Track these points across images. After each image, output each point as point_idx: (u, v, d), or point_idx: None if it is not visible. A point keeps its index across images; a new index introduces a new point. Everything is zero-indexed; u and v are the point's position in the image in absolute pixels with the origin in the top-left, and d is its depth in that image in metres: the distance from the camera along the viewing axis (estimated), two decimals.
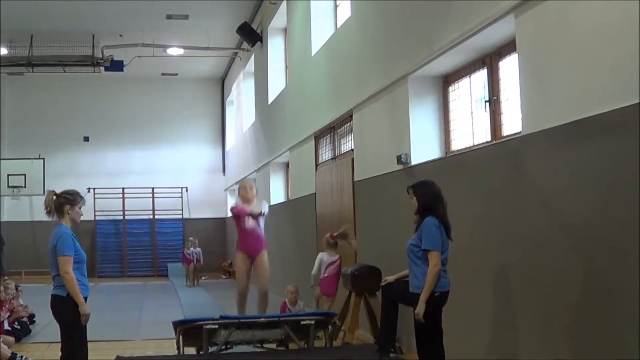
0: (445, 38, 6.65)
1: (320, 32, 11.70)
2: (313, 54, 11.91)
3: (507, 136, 6.22)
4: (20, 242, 21.11)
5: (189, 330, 6.93)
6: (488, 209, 6.09)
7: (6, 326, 9.25)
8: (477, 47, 6.54)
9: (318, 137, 11.94)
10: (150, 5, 16.24)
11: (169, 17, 17.21)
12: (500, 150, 6.03)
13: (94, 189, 22.41)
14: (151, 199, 23.45)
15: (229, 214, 22.26)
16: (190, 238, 19.91)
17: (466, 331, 6.41)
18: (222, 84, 24.65)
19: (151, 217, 23.54)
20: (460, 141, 7.34)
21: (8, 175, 21.40)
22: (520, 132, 5.59)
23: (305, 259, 12.33)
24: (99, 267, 22.41)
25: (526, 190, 5.43)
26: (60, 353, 5.56)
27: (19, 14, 16.14)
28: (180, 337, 6.94)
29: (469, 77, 7.15)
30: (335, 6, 11.63)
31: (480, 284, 6.20)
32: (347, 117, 10.05)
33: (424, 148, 7.58)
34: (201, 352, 7.01)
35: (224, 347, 7.06)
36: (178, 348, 7.00)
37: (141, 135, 23.83)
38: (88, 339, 5.69)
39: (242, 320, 7.02)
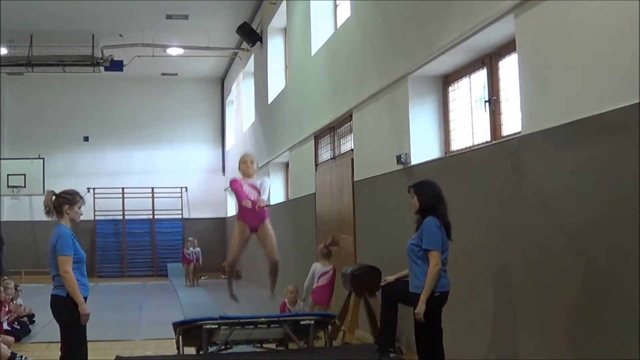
0: (445, 38, 6.65)
1: (320, 32, 11.70)
2: (313, 54, 11.91)
3: (506, 136, 6.22)
4: (20, 242, 21.11)
5: (188, 330, 6.93)
6: (488, 209, 6.09)
7: (6, 326, 9.25)
8: (476, 47, 6.54)
9: (318, 137, 11.94)
10: (150, 5, 16.24)
11: (169, 17, 17.21)
12: (500, 150, 6.03)
13: (94, 188, 22.41)
14: (151, 199, 23.45)
15: (229, 214, 22.47)
16: (190, 238, 19.91)
17: (466, 331, 6.41)
18: (221, 83, 24.65)
19: (151, 217, 23.54)
20: (460, 141, 7.34)
21: (8, 175, 21.41)
22: (520, 132, 5.59)
23: (305, 259, 12.32)
24: (98, 267, 22.40)
25: (526, 190, 5.43)
26: (60, 353, 5.56)
27: (19, 13, 16.13)
28: (180, 337, 6.94)
29: (469, 77, 7.15)
30: (335, 6, 11.63)
31: (480, 284, 6.20)
32: (347, 117, 10.05)
33: (423, 148, 7.58)
34: (201, 352, 7.01)
35: (223, 347, 7.06)
36: (178, 348, 7.00)
37: (141, 135, 23.82)
38: (88, 338, 5.69)
39: (241, 320, 7.02)
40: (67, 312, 5.40)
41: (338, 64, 10.50)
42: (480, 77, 6.90)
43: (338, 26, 11.12)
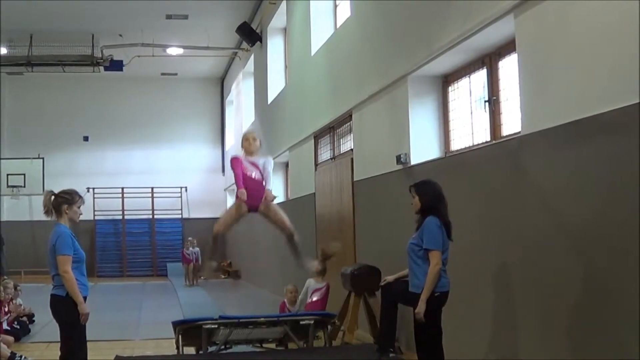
0: (445, 38, 6.65)
1: (320, 32, 11.70)
2: (312, 53, 11.91)
3: (506, 136, 6.22)
4: (20, 241, 21.10)
5: (188, 329, 6.93)
6: (487, 209, 6.09)
7: (5, 326, 9.24)
8: (476, 47, 6.54)
9: (317, 137, 11.94)
10: (149, 5, 16.24)
11: (169, 17, 17.21)
12: (499, 150, 6.03)
13: (94, 188, 22.40)
14: (150, 199, 23.45)
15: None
16: (189, 238, 19.90)
17: (466, 331, 6.41)
18: (221, 83, 24.64)
19: (150, 216, 23.53)
20: (459, 141, 7.34)
21: (7, 174, 21.42)
22: (519, 132, 5.59)
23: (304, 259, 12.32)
24: (98, 266, 22.40)
25: (526, 190, 5.43)
26: (59, 352, 5.56)
27: (19, 13, 16.13)
28: (180, 336, 6.94)
29: (469, 77, 7.15)
30: (335, 6, 11.63)
31: (480, 284, 6.20)
32: (347, 117, 10.05)
33: (423, 148, 7.58)
34: (200, 352, 7.01)
35: (223, 346, 7.06)
36: (177, 348, 7.00)
37: (141, 135, 23.82)
38: (87, 338, 5.69)
39: (241, 320, 7.02)
40: (67, 311, 5.39)
41: (338, 64, 10.50)
42: (480, 77, 6.91)
43: (338, 26, 11.12)
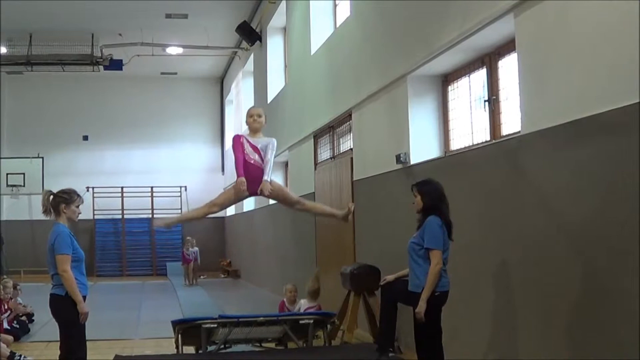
0: (445, 37, 6.65)
1: (320, 32, 11.70)
2: (312, 53, 11.91)
3: (506, 136, 6.22)
4: (19, 241, 21.09)
5: (187, 329, 6.92)
6: (487, 209, 6.09)
7: (5, 325, 9.24)
8: (476, 47, 6.54)
9: (317, 136, 11.94)
10: (149, 4, 16.23)
11: (168, 16, 17.20)
12: (499, 149, 6.03)
13: (93, 188, 22.40)
14: (150, 198, 23.43)
15: (228, 213, 22.47)
16: (188, 237, 19.87)
17: (466, 331, 6.41)
18: (221, 83, 24.64)
19: (150, 216, 23.50)
20: (459, 141, 7.35)
21: (7, 174, 21.40)
22: (519, 132, 5.59)
23: (304, 258, 12.33)
24: (97, 266, 22.38)
25: (525, 190, 5.43)
26: (59, 352, 5.56)
27: (18, 13, 16.12)
28: (179, 336, 6.93)
29: (468, 76, 7.15)
30: (335, 5, 11.63)
31: (479, 284, 6.20)
32: (346, 117, 10.05)
33: (423, 147, 7.58)
34: (200, 351, 7.00)
35: (222, 346, 7.06)
36: (177, 347, 7.00)
37: (140, 135, 23.81)
38: (87, 337, 5.69)
39: (241, 319, 7.02)
40: (66, 311, 5.39)
41: (337, 63, 10.50)
42: (479, 76, 6.91)
43: (337, 26, 11.12)
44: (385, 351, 6.05)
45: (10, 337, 8.82)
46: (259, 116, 6.68)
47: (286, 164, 15.04)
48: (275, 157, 6.64)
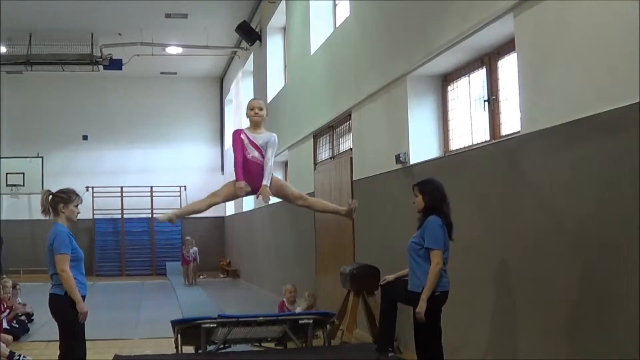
0: (444, 37, 6.65)
1: (319, 31, 11.70)
2: (312, 53, 11.91)
3: (505, 136, 6.22)
4: (19, 240, 21.05)
5: (187, 329, 6.92)
6: (486, 209, 6.09)
7: (5, 325, 9.24)
8: (476, 47, 6.54)
9: (317, 136, 11.94)
10: (149, 4, 16.23)
11: (168, 15, 17.20)
12: (498, 149, 6.04)
13: (93, 187, 22.39)
14: (150, 198, 23.42)
15: (227, 213, 22.48)
16: (187, 238, 19.86)
17: (466, 331, 6.41)
18: (220, 82, 24.63)
19: (150, 215, 23.50)
20: (459, 140, 7.35)
21: (7, 173, 21.40)
22: (519, 132, 5.59)
23: (304, 258, 12.33)
24: (97, 265, 22.37)
25: (525, 190, 5.43)
26: (58, 351, 5.55)
27: (18, 12, 16.10)
28: (179, 335, 6.94)
29: (468, 76, 7.16)
30: (334, 5, 11.63)
31: (478, 284, 6.20)
32: (346, 116, 10.05)
33: (422, 147, 7.58)
34: (199, 351, 7.01)
35: (222, 345, 7.06)
36: (176, 347, 7.00)
37: (140, 134, 23.80)
38: (86, 337, 5.69)
39: (240, 319, 7.02)
40: (66, 310, 5.39)
41: (337, 63, 10.50)
42: (479, 76, 6.91)
43: (337, 25, 11.12)
44: (384, 351, 6.05)
45: (9, 337, 8.81)
46: (260, 109, 6.39)
47: (286, 164, 15.04)
48: (276, 155, 6.50)
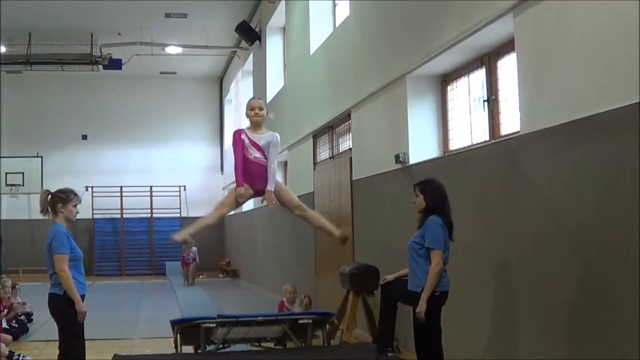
0: (444, 37, 6.65)
1: (319, 31, 11.70)
2: (311, 53, 11.91)
3: (505, 136, 6.22)
4: (18, 240, 21.04)
5: (186, 328, 6.92)
6: (486, 209, 6.09)
7: (4, 324, 9.23)
8: (475, 47, 6.54)
9: (316, 136, 11.94)
10: (148, 3, 16.23)
11: (168, 15, 17.20)
12: (498, 149, 6.03)
13: (92, 187, 22.40)
14: (149, 198, 23.43)
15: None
16: (187, 238, 19.80)
17: (466, 331, 6.41)
18: (220, 82, 24.63)
19: (149, 215, 23.51)
20: (458, 140, 7.35)
21: (6, 173, 21.40)
22: (518, 132, 5.59)
23: (303, 258, 12.33)
24: (96, 265, 22.37)
25: (524, 190, 5.43)
26: (57, 351, 5.55)
27: (18, 12, 16.10)
28: (178, 335, 6.93)
29: (468, 76, 7.16)
30: (334, 5, 11.63)
31: (478, 284, 6.20)
32: (346, 116, 10.05)
33: (422, 147, 7.58)
34: (199, 351, 7.00)
35: (221, 345, 7.06)
36: (176, 347, 6.99)
37: (139, 134, 23.81)
38: (86, 337, 5.69)
39: (240, 319, 7.02)
40: (65, 310, 5.40)
41: (337, 63, 10.50)
42: (478, 76, 6.91)
43: (337, 25, 11.11)
44: (384, 351, 6.05)
45: (9, 337, 8.81)
46: (260, 109, 6.17)
47: (285, 164, 15.03)
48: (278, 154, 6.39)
